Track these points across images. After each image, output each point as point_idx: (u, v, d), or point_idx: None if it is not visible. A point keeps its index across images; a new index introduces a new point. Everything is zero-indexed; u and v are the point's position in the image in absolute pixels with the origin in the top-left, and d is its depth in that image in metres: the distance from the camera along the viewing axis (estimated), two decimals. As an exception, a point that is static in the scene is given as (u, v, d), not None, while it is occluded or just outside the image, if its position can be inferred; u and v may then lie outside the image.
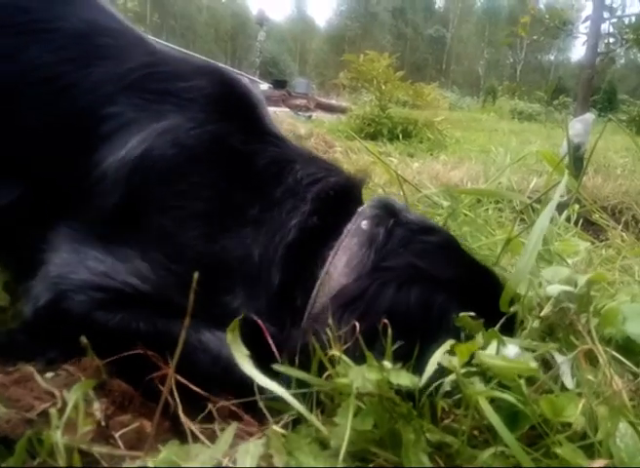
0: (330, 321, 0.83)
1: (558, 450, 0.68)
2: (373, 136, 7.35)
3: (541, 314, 0.86)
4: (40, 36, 1.15)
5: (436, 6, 68.88)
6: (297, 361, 0.83)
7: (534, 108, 22.13)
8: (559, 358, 0.83)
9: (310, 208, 1.06)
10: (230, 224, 1.05)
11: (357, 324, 0.83)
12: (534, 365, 0.71)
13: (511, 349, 0.80)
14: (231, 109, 1.14)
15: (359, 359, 0.75)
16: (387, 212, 1.10)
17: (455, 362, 0.69)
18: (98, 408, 0.91)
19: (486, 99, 26.75)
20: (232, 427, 0.81)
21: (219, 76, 1.19)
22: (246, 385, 0.80)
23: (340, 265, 1.03)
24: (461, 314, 0.84)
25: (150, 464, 0.63)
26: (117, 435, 0.85)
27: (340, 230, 1.07)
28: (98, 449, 0.80)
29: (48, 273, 1.03)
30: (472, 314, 0.84)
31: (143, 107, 1.10)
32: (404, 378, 0.69)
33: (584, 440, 0.75)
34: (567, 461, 0.67)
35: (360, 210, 1.11)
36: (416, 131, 7.66)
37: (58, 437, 0.64)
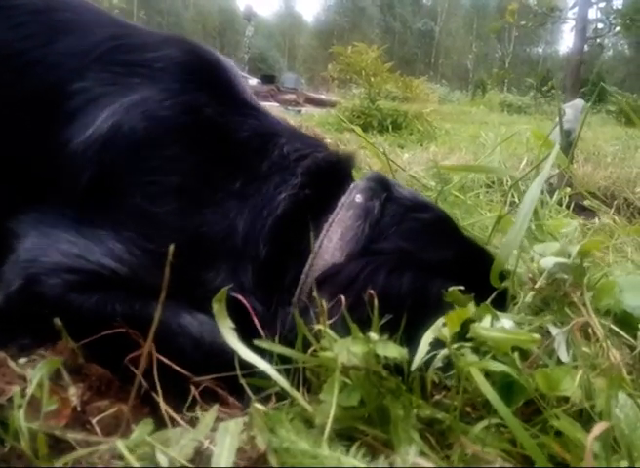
0: (319, 301, 0.79)
1: (556, 424, 0.65)
2: (363, 129, 7.20)
3: (535, 286, 0.83)
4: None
5: (424, 0, 68.90)
6: (284, 339, 0.79)
7: (523, 101, 22.15)
8: (554, 330, 0.79)
9: (301, 181, 1.02)
10: (210, 198, 1.00)
11: (346, 311, 0.80)
12: (535, 335, 0.67)
13: (505, 323, 0.76)
14: (205, 79, 1.09)
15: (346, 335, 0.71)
16: (381, 186, 1.07)
17: (445, 331, 0.66)
18: (74, 392, 0.87)
19: (475, 93, 26.72)
20: (214, 410, 0.77)
21: (188, 45, 1.14)
22: (230, 370, 0.76)
23: (335, 238, 1.00)
24: (451, 288, 0.81)
25: (121, 445, 0.59)
26: (94, 421, 0.81)
27: (332, 204, 1.04)
28: (73, 435, 0.76)
29: (18, 258, 0.98)
30: (462, 287, 0.80)
31: (112, 81, 1.05)
32: (392, 350, 0.65)
33: (582, 415, 0.72)
34: (565, 435, 0.64)
35: (354, 184, 1.08)
36: (405, 122, 7.62)
37: (20, 418, 0.60)
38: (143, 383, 0.80)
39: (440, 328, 0.68)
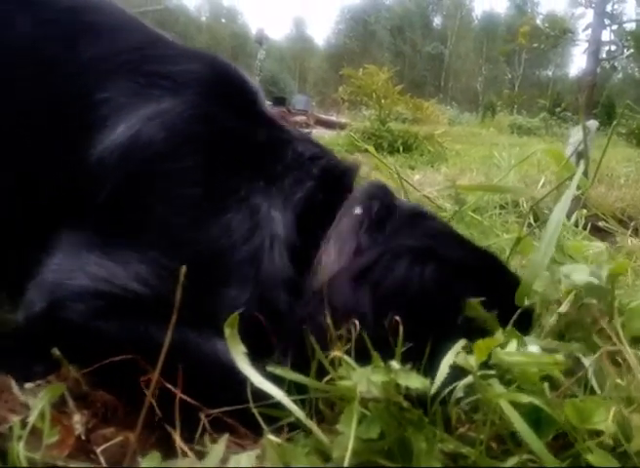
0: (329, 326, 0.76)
1: (589, 458, 0.61)
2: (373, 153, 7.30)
3: (561, 309, 0.79)
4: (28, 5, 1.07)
5: (434, 24, 69.36)
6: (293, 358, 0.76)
7: (532, 123, 22.14)
8: (585, 359, 0.75)
9: (315, 183, 1.02)
10: (232, 199, 0.98)
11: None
12: (559, 357, 0.63)
13: (532, 349, 0.72)
14: (225, 94, 1.08)
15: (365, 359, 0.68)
16: (382, 195, 1.06)
17: (472, 361, 0.62)
18: (78, 420, 0.83)
19: (485, 115, 26.76)
20: (223, 440, 0.73)
21: (212, 60, 1.13)
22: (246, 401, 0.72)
23: (334, 253, 0.97)
24: (471, 300, 0.77)
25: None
26: (99, 450, 0.78)
27: (334, 215, 1.02)
28: (76, 466, 0.72)
29: (44, 279, 0.94)
30: (483, 299, 0.76)
31: (134, 91, 1.02)
32: (414, 381, 0.61)
33: (614, 450, 0.67)
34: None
35: (355, 191, 1.07)
36: (416, 144, 7.62)
37: (19, 449, 0.57)
38: (154, 411, 0.76)
39: (463, 354, 0.64)
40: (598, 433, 0.67)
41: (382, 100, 8.16)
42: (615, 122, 1.34)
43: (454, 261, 0.91)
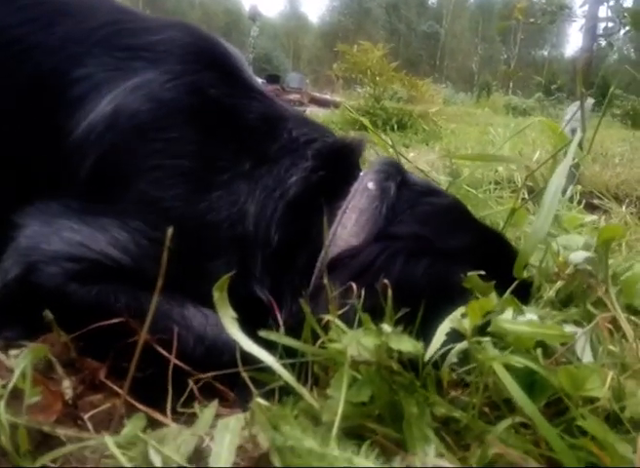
0: (328, 289, 0.74)
1: (583, 425, 0.60)
2: (367, 128, 7.24)
3: (562, 277, 0.77)
4: None
5: (429, 2, 68.64)
6: (291, 330, 0.74)
7: (527, 103, 22.04)
8: (576, 328, 0.74)
9: (313, 164, 0.98)
10: (218, 182, 0.95)
11: (358, 300, 0.74)
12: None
13: (529, 317, 0.71)
14: (209, 61, 1.04)
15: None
16: (395, 169, 1.03)
17: (466, 323, 0.60)
18: (67, 386, 0.82)
19: (480, 95, 26.60)
20: (213, 406, 0.73)
21: (191, 29, 1.10)
22: (234, 368, 0.71)
23: (350, 224, 0.95)
24: (470, 273, 0.76)
25: (110, 442, 0.54)
26: (86, 416, 0.77)
27: (344, 189, 0.99)
28: (62, 431, 0.71)
29: (18, 246, 0.92)
30: (482, 273, 0.75)
31: (114, 66, 1.00)
32: (406, 344, 0.60)
33: (609, 418, 0.66)
34: (594, 437, 0.59)
35: (367, 168, 1.04)
36: (410, 122, 7.55)
37: (1, 410, 0.55)
38: (142, 378, 0.75)
39: (459, 319, 0.63)
40: (592, 400, 0.66)
41: (377, 78, 8.07)
42: (606, 100, 1.32)
43: (452, 250, 0.90)
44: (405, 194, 1.00)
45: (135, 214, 0.93)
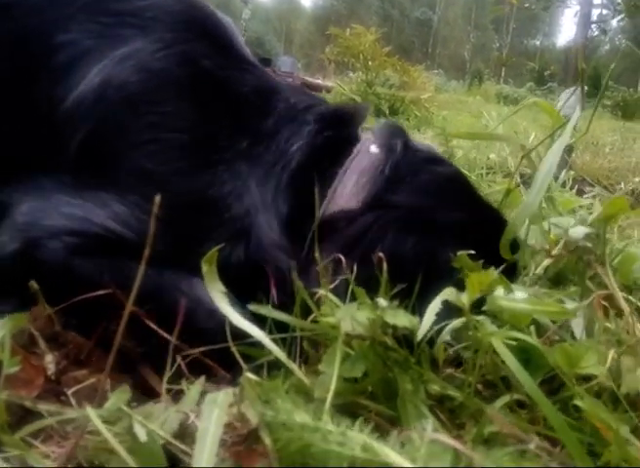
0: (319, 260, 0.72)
1: (579, 403, 0.59)
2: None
3: (552, 254, 0.76)
4: None
5: (423, -12, 68.36)
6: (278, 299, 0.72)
7: (519, 92, 22.10)
8: (571, 304, 0.73)
9: (316, 127, 0.95)
10: (218, 157, 0.92)
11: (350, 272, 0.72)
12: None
13: (519, 296, 0.70)
14: (201, 29, 1.00)
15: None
16: (399, 132, 1.01)
17: (464, 297, 0.59)
18: (50, 360, 0.80)
19: (472, 83, 26.58)
20: (200, 382, 0.71)
21: None
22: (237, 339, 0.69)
23: (350, 184, 0.93)
24: (460, 253, 0.74)
25: (93, 415, 0.52)
26: (69, 392, 0.74)
27: (349, 150, 0.97)
28: (44, 406, 0.69)
29: (14, 222, 0.88)
30: (472, 252, 0.73)
31: (100, 33, 0.95)
32: (402, 319, 0.58)
33: (601, 395, 0.65)
34: (590, 415, 0.58)
35: (369, 130, 1.02)
36: (402, 108, 7.52)
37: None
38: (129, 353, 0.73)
39: (456, 293, 0.61)
40: (588, 378, 0.65)
41: (370, 63, 8.00)
42: (602, 90, 1.30)
43: (447, 225, 0.89)
44: (408, 157, 0.97)
45: (132, 189, 0.90)
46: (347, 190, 0.92)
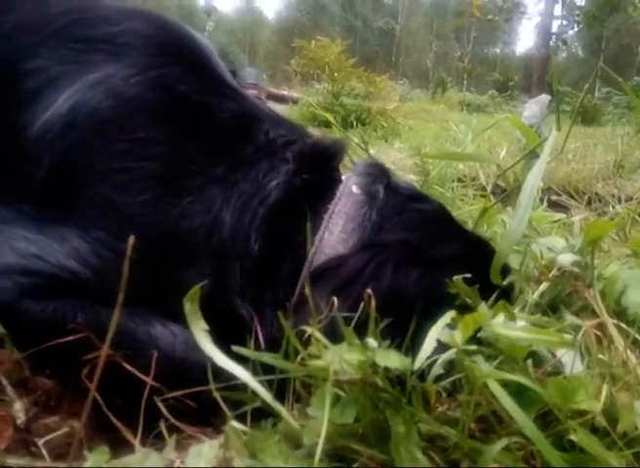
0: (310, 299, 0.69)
1: (574, 438, 0.57)
2: (326, 125, 7.22)
3: (545, 280, 0.74)
4: None
5: (385, -1, 69.25)
6: (273, 345, 0.69)
7: (481, 100, 22.53)
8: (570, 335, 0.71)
9: (294, 167, 0.92)
10: (190, 186, 0.88)
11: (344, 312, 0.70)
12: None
13: (520, 324, 0.68)
14: (176, 53, 0.97)
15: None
16: (380, 174, 1.00)
17: (457, 337, 0.57)
18: (19, 408, 0.75)
19: (435, 91, 26.96)
20: (182, 429, 0.67)
21: (154, 18, 1.02)
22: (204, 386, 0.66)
23: (337, 231, 0.91)
24: (456, 278, 0.73)
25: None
26: (41, 442, 0.70)
27: (329, 193, 0.95)
28: (14, 461, 0.65)
29: None
30: (467, 276, 0.72)
31: (71, 58, 0.92)
32: (393, 360, 0.56)
33: (595, 430, 0.64)
34: (587, 452, 0.56)
35: (351, 171, 1.00)
36: (369, 119, 7.59)
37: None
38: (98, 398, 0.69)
39: (449, 332, 0.59)
40: (581, 413, 0.64)
41: (336, 74, 8.05)
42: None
43: (441, 259, 0.88)
44: (392, 199, 0.96)
45: (96, 222, 0.86)
46: (334, 237, 0.91)
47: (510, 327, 0.61)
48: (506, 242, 0.79)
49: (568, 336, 0.61)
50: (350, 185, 0.96)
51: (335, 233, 0.91)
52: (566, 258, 0.75)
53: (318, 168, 0.97)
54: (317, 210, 0.93)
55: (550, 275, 0.77)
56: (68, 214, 0.87)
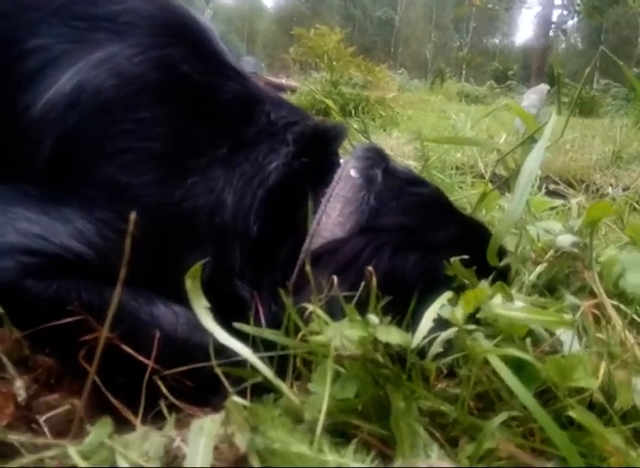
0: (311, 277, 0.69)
1: (572, 414, 0.58)
2: (325, 114, 7.20)
3: (541, 263, 0.75)
4: None
5: (384, -12, 68.82)
6: (272, 325, 0.69)
7: (480, 91, 22.49)
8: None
9: (294, 149, 0.92)
10: (193, 167, 0.88)
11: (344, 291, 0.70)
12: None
13: (518, 305, 0.68)
14: (179, 33, 0.96)
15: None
16: (379, 158, 1.00)
17: (458, 313, 0.57)
18: (20, 386, 0.75)
19: (434, 82, 26.86)
20: (182, 407, 0.68)
21: None
22: (205, 368, 0.66)
23: (334, 214, 0.91)
24: (453, 259, 0.73)
25: (73, 452, 0.49)
26: (42, 419, 0.70)
27: (328, 176, 0.95)
28: (16, 437, 0.65)
29: None
30: (465, 257, 0.73)
31: (73, 37, 0.91)
32: (394, 335, 0.56)
33: (592, 407, 0.65)
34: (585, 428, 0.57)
35: (349, 154, 1.01)
36: (367, 108, 7.54)
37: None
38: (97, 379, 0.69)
39: (450, 308, 0.59)
40: (579, 390, 0.64)
41: (334, 63, 8.01)
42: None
43: (439, 243, 0.88)
44: (390, 183, 0.96)
45: (100, 203, 0.85)
46: (332, 220, 0.91)
47: (509, 307, 0.61)
48: (504, 224, 0.80)
49: (567, 316, 0.61)
50: (348, 169, 0.96)
51: (332, 217, 0.91)
52: (565, 239, 0.75)
53: (318, 151, 0.97)
54: (315, 193, 0.93)
55: (548, 256, 0.77)
56: (72, 194, 0.86)
